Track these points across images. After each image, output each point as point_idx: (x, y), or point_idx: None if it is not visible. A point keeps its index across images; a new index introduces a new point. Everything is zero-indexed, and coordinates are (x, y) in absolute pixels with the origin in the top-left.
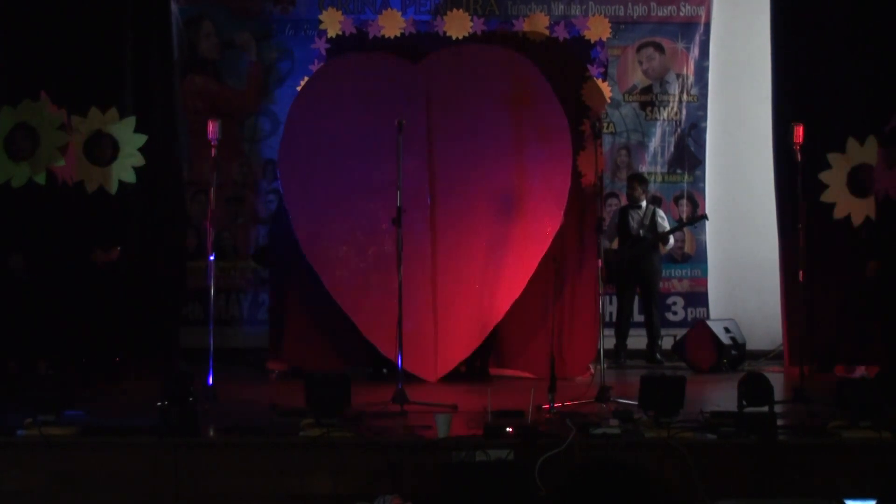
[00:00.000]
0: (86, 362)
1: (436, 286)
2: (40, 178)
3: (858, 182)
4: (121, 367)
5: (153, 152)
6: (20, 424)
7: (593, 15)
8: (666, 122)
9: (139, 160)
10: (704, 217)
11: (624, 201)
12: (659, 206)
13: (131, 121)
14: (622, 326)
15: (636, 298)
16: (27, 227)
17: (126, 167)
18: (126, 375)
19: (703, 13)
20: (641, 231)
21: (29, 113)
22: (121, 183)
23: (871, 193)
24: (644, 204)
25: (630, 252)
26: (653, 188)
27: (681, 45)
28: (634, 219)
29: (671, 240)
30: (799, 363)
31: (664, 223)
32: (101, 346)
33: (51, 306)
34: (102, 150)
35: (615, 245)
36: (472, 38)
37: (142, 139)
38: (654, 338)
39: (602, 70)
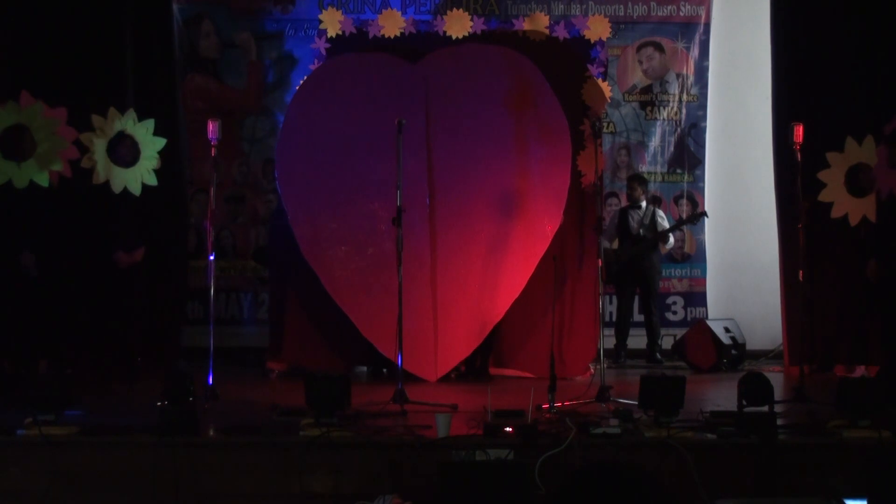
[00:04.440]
0: (96, 363)
1: (435, 286)
2: (42, 181)
3: (856, 181)
4: (125, 367)
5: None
6: (20, 424)
7: (593, 14)
8: (666, 122)
9: (157, 162)
10: (704, 214)
11: (624, 201)
12: (659, 206)
13: (150, 123)
14: (622, 326)
15: (636, 298)
16: (38, 227)
17: (148, 170)
18: (128, 375)
19: (703, 13)
20: (641, 231)
21: (26, 115)
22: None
23: (870, 193)
24: (644, 204)
25: (630, 252)
26: (653, 188)
27: (681, 45)
28: (634, 219)
29: (671, 239)
30: (799, 363)
31: (664, 223)
32: (110, 347)
33: (58, 306)
34: (126, 151)
35: (615, 245)
36: (471, 38)
37: (161, 142)
38: (653, 337)
39: (602, 70)
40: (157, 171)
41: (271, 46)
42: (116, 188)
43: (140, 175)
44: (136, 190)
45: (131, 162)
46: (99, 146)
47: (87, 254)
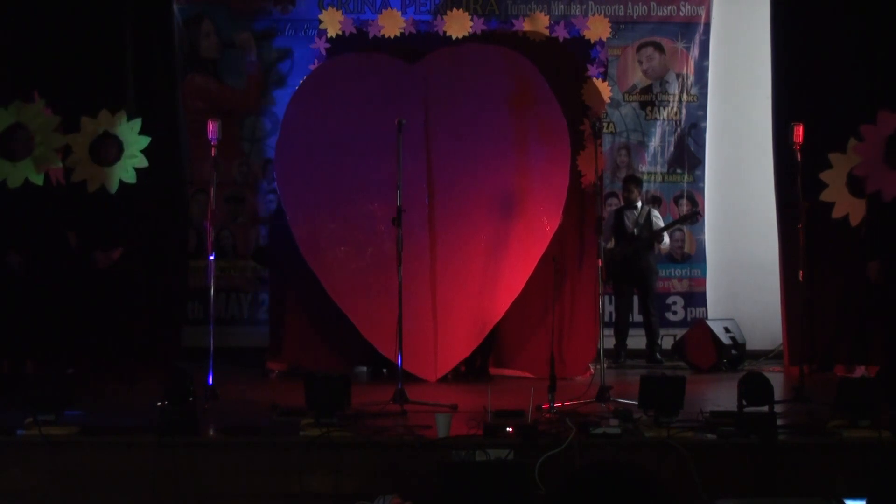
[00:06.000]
0: (88, 362)
1: (435, 286)
2: (38, 180)
3: (858, 182)
4: (123, 367)
5: (156, 152)
6: (20, 424)
7: (593, 15)
8: (666, 122)
9: (141, 161)
10: (697, 213)
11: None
12: (659, 206)
13: (137, 123)
14: (621, 326)
15: (634, 298)
16: (26, 227)
17: (127, 168)
18: (128, 375)
19: (703, 13)
20: (636, 230)
21: (25, 114)
22: (123, 184)
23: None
24: (639, 204)
25: (625, 251)
26: (653, 188)
27: (681, 45)
28: (630, 219)
29: (666, 238)
30: (799, 363)
31: (659, 222)
32: (104, 346)
33: (47, 306)
34: (107, 150)
35: (611, 245)
36: (471, 38)
37: (145, 141)
38: (653, 338)
39: (602, 70)
40: (153, 171)
41: (271, 47)
42: (92, 187)
43: (119, 173)
44: (112, 188)
45: (113, 160)
46: (81, 146)
47: (74, 254)
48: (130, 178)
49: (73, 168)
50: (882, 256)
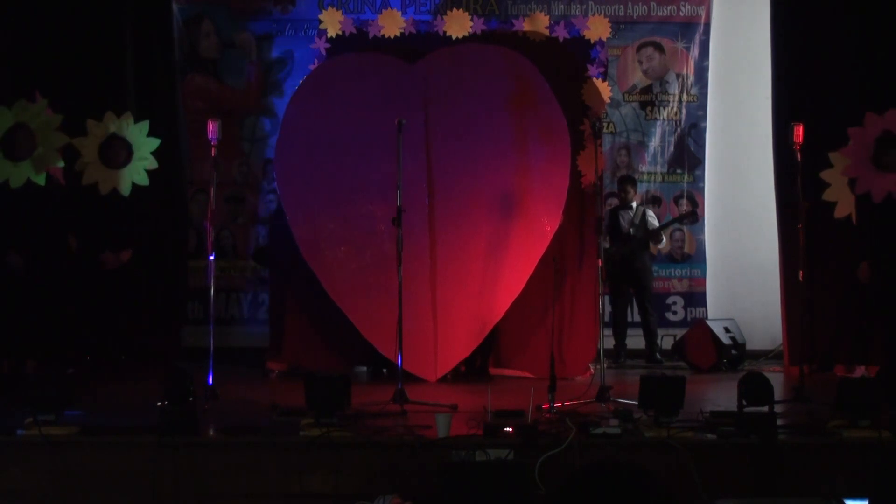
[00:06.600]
0: (88, 361)
1: (435, 286)
2: (39, 180)
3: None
4: (123, 367)
5: (156, 152)
6: (20, 424)
7: (593, 15)
8: (666, 122)
9: (152, 163)
10: (694, 213)
11: None
12: (659, 207)
13: (145, 125)
14: (619, 326)
15: (632, 299)
16: (26, 227)
17: (139, 170)
18: (128, 375)
19: (703, 13)
20: (632, 230)
21: (26, 114)
22: (133, 185)
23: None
24: (635, 205)
25: (621, 251)
26: (653, 188)
27: (681, 45)
28: (625, 219)
29: (663, 238)
30: (799, 363)
31: (654, 222)
32: (104, 346)
33: (47, 306)
34: (116, 152)
35: (606, 245)
36: (471, 38)
37: (155, 143)
38: (651, 338)
39: (602, 70)
40: (153, 171)
41: (271, 47)
42: (104, 189)
43: (130, 176)
44: (125, 191)
45: (123, 163)
46: (90, 149)
47: (75, 255)
48: (142, 180)
49: (83, 171)
50: (872, 257)
